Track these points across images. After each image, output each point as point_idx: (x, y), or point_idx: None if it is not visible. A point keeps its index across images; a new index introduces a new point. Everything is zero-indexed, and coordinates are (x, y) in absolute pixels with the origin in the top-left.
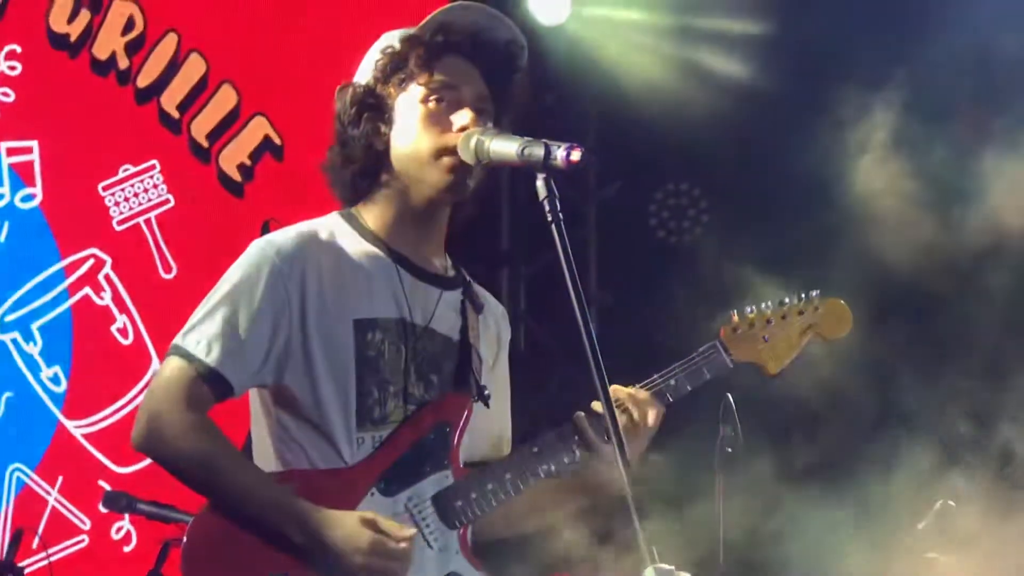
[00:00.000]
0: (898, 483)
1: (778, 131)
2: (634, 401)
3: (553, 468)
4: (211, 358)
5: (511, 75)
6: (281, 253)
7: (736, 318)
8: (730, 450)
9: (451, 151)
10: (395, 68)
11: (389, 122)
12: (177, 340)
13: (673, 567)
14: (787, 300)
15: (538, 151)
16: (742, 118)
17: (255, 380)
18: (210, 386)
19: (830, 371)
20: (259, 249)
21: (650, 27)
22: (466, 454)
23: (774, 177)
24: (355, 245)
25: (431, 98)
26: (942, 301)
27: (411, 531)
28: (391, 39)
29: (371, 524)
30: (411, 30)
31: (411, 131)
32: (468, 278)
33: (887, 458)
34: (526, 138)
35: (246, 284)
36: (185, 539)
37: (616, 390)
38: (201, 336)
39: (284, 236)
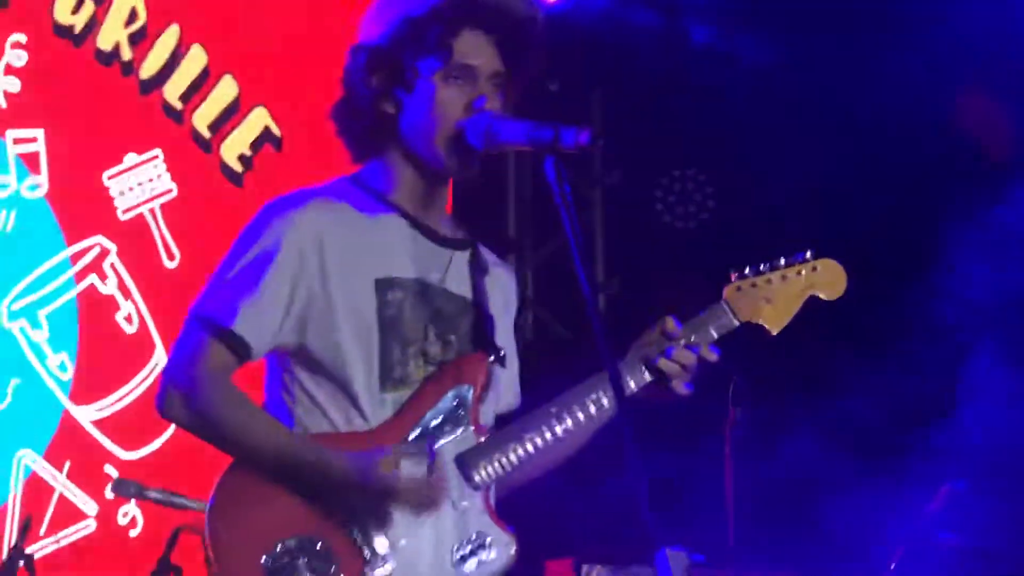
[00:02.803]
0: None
1: (786, 114)
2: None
3: (571, 426)
4: (229, 321)
5: (527, 51)
6: (295, 214)
7: (736, 279)
8: (740, 433)
9: (463, 133)
10: (414, 38)
11: (402, 89)
12: (198, 304)
13: (684, 551)
14: (781, 260)
15: (547, 133)
16: (749, 102)
17: (275, 341)
18: (230, 349)
19: None
20: (273, 211)
21: (655, 10)
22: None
23: (780, 161)
24: (367, 206)
25: (448, 76)
26: None
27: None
28: (410, 4)
29: (394, 458)
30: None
31: (424, 107)
32: (475, 240)
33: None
34: (534, 121)
35: (261, 245)
36: (212, 499)
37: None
38: (218, 300)
39: (297, 198)
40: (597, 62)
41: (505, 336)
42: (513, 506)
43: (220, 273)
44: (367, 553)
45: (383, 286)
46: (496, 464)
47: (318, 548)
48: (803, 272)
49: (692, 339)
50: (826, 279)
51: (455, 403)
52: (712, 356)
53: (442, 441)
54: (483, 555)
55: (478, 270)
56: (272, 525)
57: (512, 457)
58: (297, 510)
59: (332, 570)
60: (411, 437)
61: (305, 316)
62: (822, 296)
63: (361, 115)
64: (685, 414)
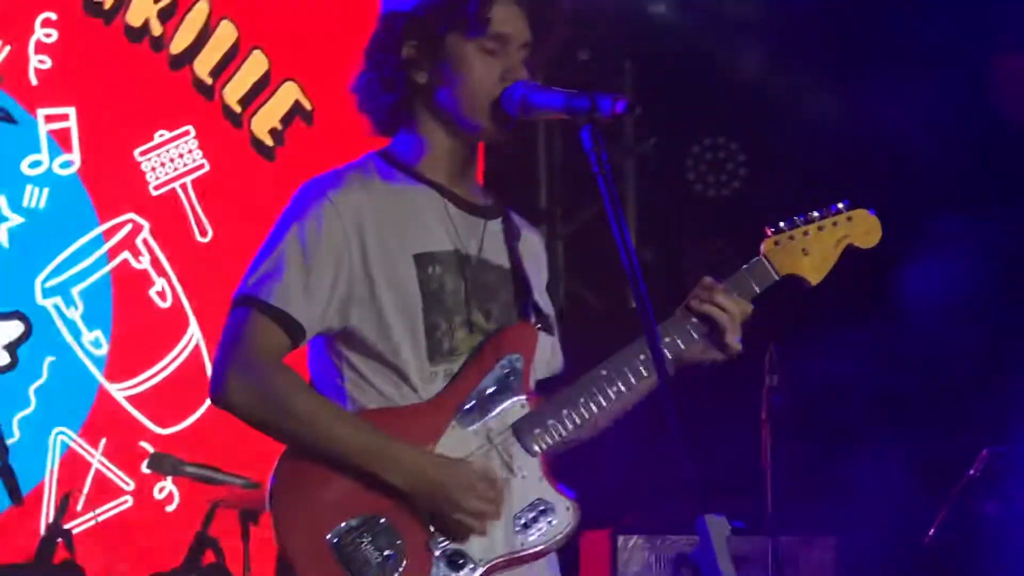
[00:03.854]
0: None
1: (817, 84)
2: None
3: (624, 388)
4: (281, 302)
5: (553, 22)
6: (334, 195)
7: (772, 234)
8: (778, 399)
9: (499, 102)
10: (452, 7)
11: (436, 60)
12: (243, 289)
13: (724, 516)
14: (816, 212)
15: (584, 102)
16: (779, 71)
17: (324, 323)
18: (284, 330)
19: None
20: (310, 191)
21: None
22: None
23: (814, 130)
24: (399, 180)
25: (483, 46)
26: None
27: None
28: None
29: (465, 466)
30: None
31: (461, 76)
32: (504, 206)
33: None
34: (570, 90)
35: (303, 227)
36: (272, 480)
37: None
38: (267, 282)
39: (333, 178)
40: (628, 31)
41: (544, 302)
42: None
43: (263, 256)
44: (432, 527)
45: (423, 261)
46: (553, 431)
47: (382, 524)
48: (838, 223)
49: (735, 295)
50: (861, 228)
51: (506, 372)
52: (750, 307)
53: (497, 410)
54: (545, 521)
55: (512, 237)
56: (336, 503)
57: (568, 424)
58: (360, 488)
59: (398, 543)
60: (466, 407)
61: (349, 298)
62: (858, 245)
63: (392, 85)
64: (723, 381)
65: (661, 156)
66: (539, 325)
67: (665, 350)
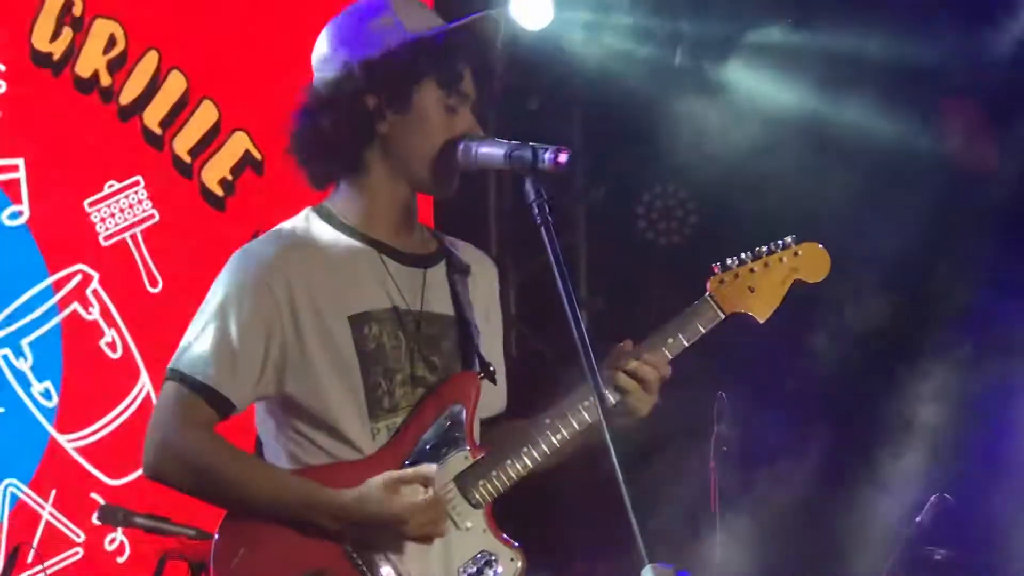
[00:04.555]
0: None
1: (763, 132)
2: (644, 364)
3: (567, 435)
4: (208, 377)
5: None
6: (263, 262)
7: (719, 271)
8: (725, 448)
9: (448, 159)
10: (424, 62)
11: (400, 111)
12: (172, 364)
13: (672, 566)
14: (763, 248)
15: (526, 154)
16: (728, 119)
17: (255, 393)
18: (211, 405)
19: None
20: (240, 260)
21: (633, 30)
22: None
23: (760, 178)
24: (334, 240)
25: (444, 101)
26: None
27: (431, 468)
28: (417, 19)
29: (393, 485)
30: (444, 28)
31: (421, 129)
32: (447, 244)
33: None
34: (513, 142)
35: (233, 298)
36: (214, 548)
37: (620, 358)
38: (195, 356)
39: (263, 244)
40: (578, 80)
41: (491, 345)
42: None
43: (194, 328)
44: None
45: (358, 321)
46: (496, 482)
47: None
48: (785, 258)
49: (679, 337)
50: (809, 263)
51: (448, 424)
52: (667, 371)
53: (439, 463)
54: (491, 572)
55: (455, 281)
56: (278, 563)
57: (512, 472)
58: (301, 546)
59: None
60: (408, 462)
61: (283, 366)
62: (807, 280)
63: (358, 132)
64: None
65: (611, 204)
66: (482, 375)
67: (584, 414)
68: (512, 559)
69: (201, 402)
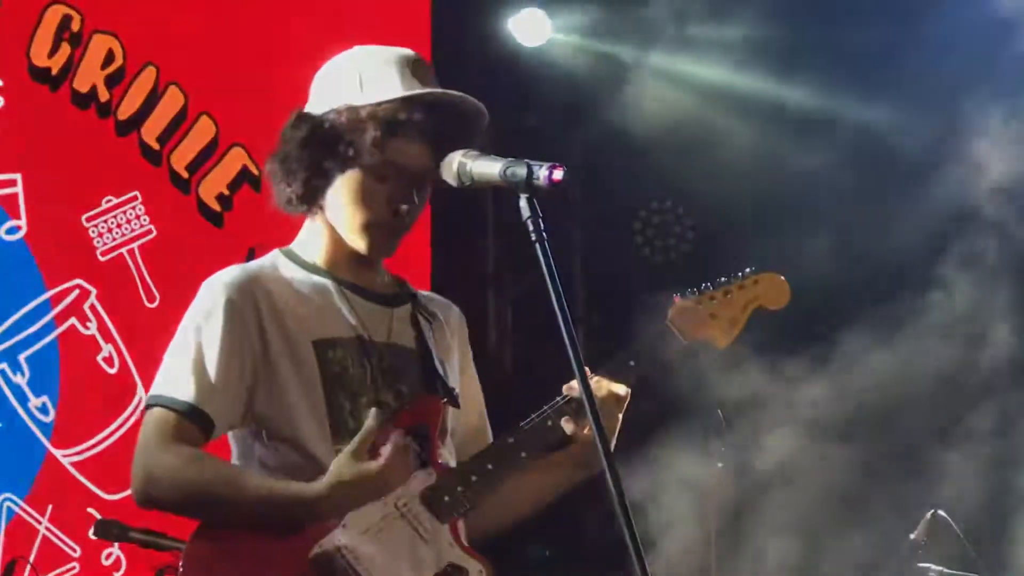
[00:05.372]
0: None
1: (764, 145)
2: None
3: (533, 454)
4: (187, 396)
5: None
6: (231, 286)
7: (680, 300)
8: (721, 465)
9: (379, 226)
10: (351, 128)
11: (336, 167)
12: (152, 391)
13: None
14: (724, 279)
15: (521, 171)
16: (726, 133)
17: (232, 412)
18: (193, 424)
19: None
20: (210, 288)
21: (631, 45)
22: (455, 457)
23: (758, 192)
24: (301, 277)
25: (375, 171)
26: None
27: (369, 426)
28: (352, 90)
29: (355, 453)
30: (377, 100)
31: (349, 194)
32: (412, 291)
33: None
34: (508, 159)
35: (204, 323)
36: (181, 567)
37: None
38: (172, 380)
39: (231, 272)
40: (576, 97)
41: (461, 379)
42: (487, 552)
43: (168, 357)
44: None
45: (322, 346)
46: (462, 498)
47: None
48: (745, 286)
49: (640, 363)
50: (769, 291)
51: (414, 443)
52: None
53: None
54: None
55: (420, 320)
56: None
57: (477, 489)
58: (267, 557)
59: None
60: None
61: (254, 386)
62: (768, 307)
63: (293, 183)
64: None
65: (608, 221)
66: (445, 399)
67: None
68: (480, 571)
69: (182, 421)
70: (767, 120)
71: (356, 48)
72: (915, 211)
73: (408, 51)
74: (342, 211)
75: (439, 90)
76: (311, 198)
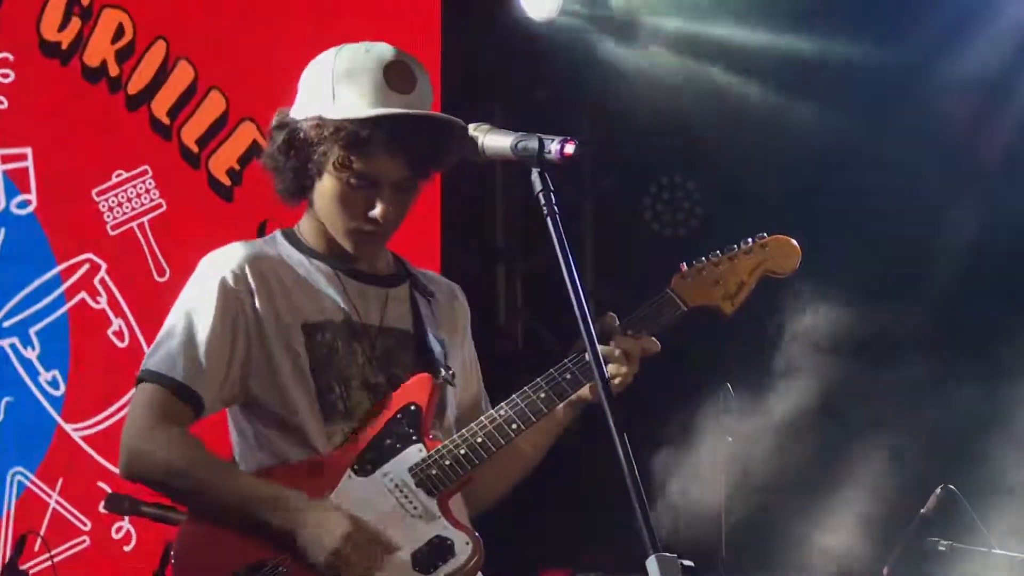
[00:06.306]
0: None
1: (772, 122)
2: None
3: (524, 426)
4: (178, 374)
5: (436, 160)
6: (228, 265)
7: (685, 268)
8: (730, 439)
9: (358, 231)
10: (324, 139)
11: (315, 172)
12: (143, 365)
13: (676, 555)
14: (735, 246)
15: (532, 145)
16: (736, 109)
17: (223, 392)
18: (183, 401)
19: None
20: (207, 265)
21: (642, 20)
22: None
23: (769, 168)
24: (297, 259)
25: (350, 181)
26: None
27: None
28: (324, 102)
29: (350, 517)
30: (343, 116)
31: (327, 201)
32: (411, 270)
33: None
34: (520, 133)
35: (199, 300)
36: (174, 549)
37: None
38: (165, 356)
39: (229, 250)
40: (586, 71)
41: (460, 358)
42: (506, 517)
43: (163, 331)
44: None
45: (311, 330)
46: (451, 471)
47: (280, 571)
48: (752, 250)
49: (639, 330)
50: (777, 255)
51: (402, 421)
52: (655, 347)
53: (395, 457)
54: (446, 558)
55: (418, 301)
56: (235, 551)
57: (466, 463)
58: (257, 537)
59: None
60: (363, 457)
61: (247, 365)
62: (776, 272)
63: (281, 179)
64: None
65: (619, 195)
66: (439, 379)
67: (540, 405)
68: (467, 543)
69: (171, 398)
70: (783, 87)
71: (343, 48)
72: None
73: (391, 55)
74: (325, 212)
75: (403, 111)
76: (300, 193)
